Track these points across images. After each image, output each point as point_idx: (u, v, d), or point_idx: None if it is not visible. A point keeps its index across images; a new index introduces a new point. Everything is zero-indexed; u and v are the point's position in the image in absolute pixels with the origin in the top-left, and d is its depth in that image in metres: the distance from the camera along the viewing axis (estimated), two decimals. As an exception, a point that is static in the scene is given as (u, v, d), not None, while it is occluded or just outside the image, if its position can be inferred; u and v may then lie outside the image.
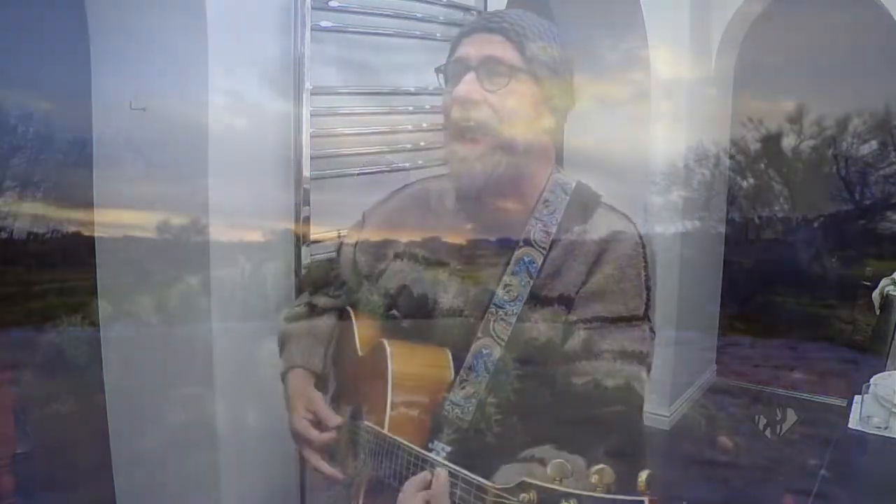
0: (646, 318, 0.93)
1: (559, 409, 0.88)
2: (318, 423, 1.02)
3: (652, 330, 0.94)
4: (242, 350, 1.46)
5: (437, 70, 1.01)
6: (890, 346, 2.03)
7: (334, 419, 1.01)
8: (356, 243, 1.12)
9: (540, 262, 0.94)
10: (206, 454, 1.44)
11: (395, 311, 1.01)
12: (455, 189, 1.01)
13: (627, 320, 0.91)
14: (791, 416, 3.65)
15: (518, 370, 0.90)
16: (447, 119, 0.97)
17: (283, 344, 1.14)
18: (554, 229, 0.96)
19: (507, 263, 0.95)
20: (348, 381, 1.09)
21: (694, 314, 3.70)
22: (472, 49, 0.96)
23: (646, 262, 0.94)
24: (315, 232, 1.52)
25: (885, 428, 1.49)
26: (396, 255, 1.05)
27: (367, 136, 1.62)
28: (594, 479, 0.61)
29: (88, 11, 1.49)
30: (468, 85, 0.93)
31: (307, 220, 1.51)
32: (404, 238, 1.06)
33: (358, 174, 1.60)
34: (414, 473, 0.81)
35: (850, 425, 1.52)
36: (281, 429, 1.09)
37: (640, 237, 0.96)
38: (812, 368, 4.42)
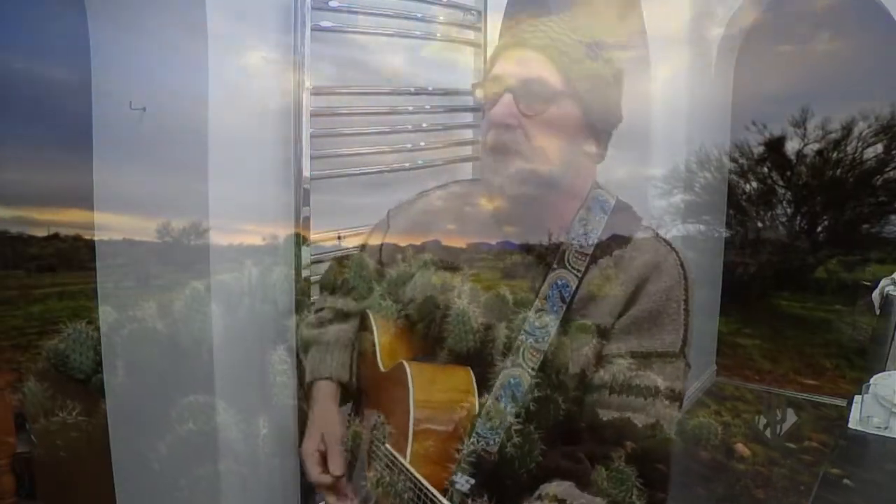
0: (682, 354, 0.89)
1: (584, 441, 0.85)
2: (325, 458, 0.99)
3: (688, 364, 0.90)
4: (244, 354, 1.45)
5: (475, 86, 0.98)
6: (890, 347, 2.02)
7: (339, 470, 0.97)
8: (381, 245, 1.09)
9: (574, 286, 0.89)
10: (207, 462, 1.40)
11: (416, 323, 0.98)
12: (489, 197, 0.97)
13: (663, 357, 0.87)
14: (791, 416, 3.65)
15: (540, 394, 0.87)
16: (483, 135, 0.94)
17: (306, 350, 1.09)
18: (590, 251, 0.91)
19: (541, 286, 0.91)
20: (370, 393, 1.06)
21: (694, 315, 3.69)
22: (511, 67, 0.91)
23: (686, 294, 0.90)
24: (315, 232, 1.51)
25: (885, 428, 1.49)
26: (425, 264, 1.00)
27: (367, 136, 1.62)
28: None
29: (88, 11, 1.49)
30: (504, 108, 0.89)
31: (307, 220, 1.51)
32: (433, 246, 1.02)
33: (358, 174, 1.60)
34: None
35: (850, 425, 1.52)
36: (285, 437, 1.07)
37: (683, 267, 0.92)
38: (813, 369, 4.41)
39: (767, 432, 3.27)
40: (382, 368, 1.00)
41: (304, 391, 1.08)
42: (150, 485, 1.47)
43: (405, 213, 1.11)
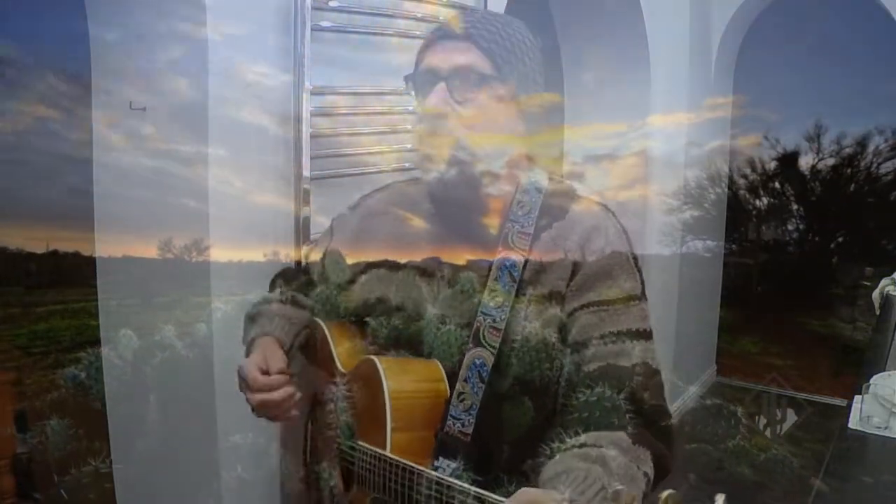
0: (643, 297, 0.92)
1: (575, 397, 0.85)
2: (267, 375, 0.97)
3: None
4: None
5: (406, 79, 0.99)
6: (890, 347, 2.02)
7: (281, 366, 0.97)
8: (325, 253, 1.09)
9: (521, 264, 0.92)
10: (205, 483, 1.34)
11: (371, 323, 0.98)
12: (428, 192, 1.00)
13: (626, 301, 0.90)
14: (791, 416, 3.65)
15: (515, 373, 0.88)
16: (418, 126, 0.97)
17: (252, 320, 1.07)
18: (531, 229, 0.94)
19: (489, 269, 0.93)
20: (327, 398, 1.02)
21: (696, 318, 3.70)
22: (441, 58, 0.94)
23: (631, 247, 0.95)
24: (315, 232, 1.51)
25: (885, 428, 1.49)
26: (371, 265, 1.02)
27: (367, 136, 1.62)
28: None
29: (88, 11, 1.49)
30: (438, 96, 0.92)
31: (307, 220, 1.51)
32: (378, 248, 1.03)
33: (358, 174, 1.60)
34: (424, 494, 0.77)
35: (850, 425, 1.52)
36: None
37: (620, 224, 0.97)
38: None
39: (768, 432, 3.27)
40: (342, 370, 1.00)
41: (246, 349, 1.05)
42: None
43: (348, 220, 1.11)
